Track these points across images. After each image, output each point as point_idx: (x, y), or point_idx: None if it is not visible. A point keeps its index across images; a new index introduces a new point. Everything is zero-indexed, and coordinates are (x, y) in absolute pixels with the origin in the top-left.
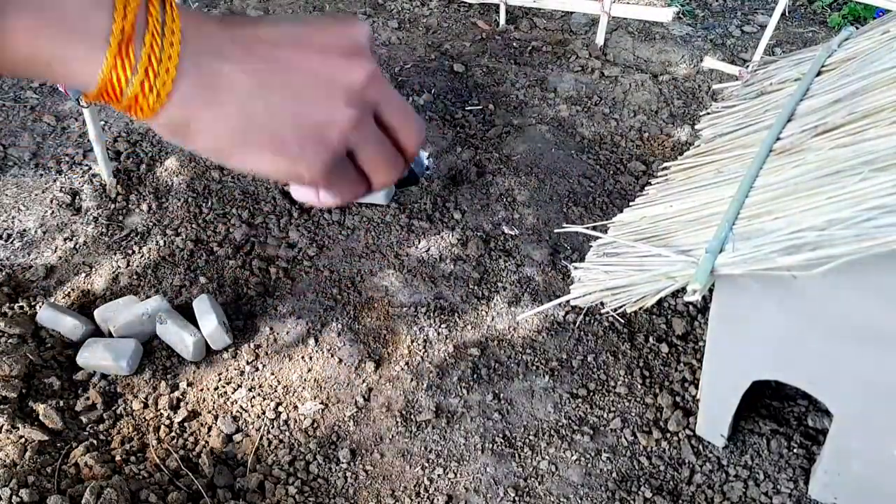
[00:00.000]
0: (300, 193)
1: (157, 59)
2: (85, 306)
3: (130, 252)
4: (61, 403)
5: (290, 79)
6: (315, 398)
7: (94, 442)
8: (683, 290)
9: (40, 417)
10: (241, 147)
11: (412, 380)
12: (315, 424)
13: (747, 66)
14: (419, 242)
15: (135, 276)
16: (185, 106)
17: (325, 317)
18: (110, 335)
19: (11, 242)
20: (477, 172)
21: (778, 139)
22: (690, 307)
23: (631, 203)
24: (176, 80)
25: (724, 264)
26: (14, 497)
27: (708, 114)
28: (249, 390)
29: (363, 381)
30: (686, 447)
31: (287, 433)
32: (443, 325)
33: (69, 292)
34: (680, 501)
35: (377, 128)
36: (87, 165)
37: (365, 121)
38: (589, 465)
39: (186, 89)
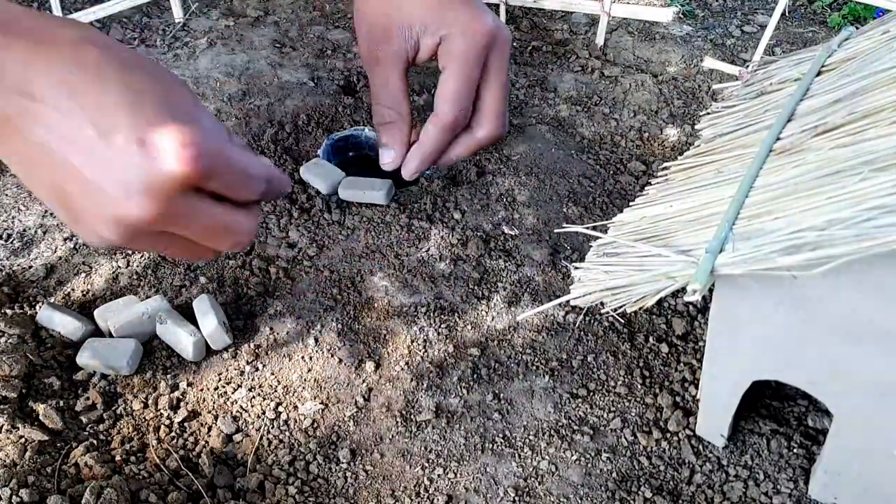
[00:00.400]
0: None
1: None
2: (85, 306)
3: (130, 252)
4: (61, 403)
5: (51, 178)
6: (315, 398)
7: (94, 442)
8: (683, 290)
9: (40, 417)
10: (30, 183)
11: (412, 380)
12: (315, 424)
13: (747, 66)
14: (419, 242)
15: (135, 276)
16: None
17: (325, 317)
18: (110, 335)
19: (11, 242)
20: (477, 172)
21: (778, 139)
22: (690, 307)
23: (631, 203)
24: None
25: (724, 264)
26: (14, 497)
27: (708, 114)
28: (249, 390)
29: (363, 381)
30: (686, 447)
31: (287, 433)
32: (443, 325)
33: (69, 292)
34: (680, 501)
35: (197, 205)
36: None
37: (171, 213)
38: (589, 465)
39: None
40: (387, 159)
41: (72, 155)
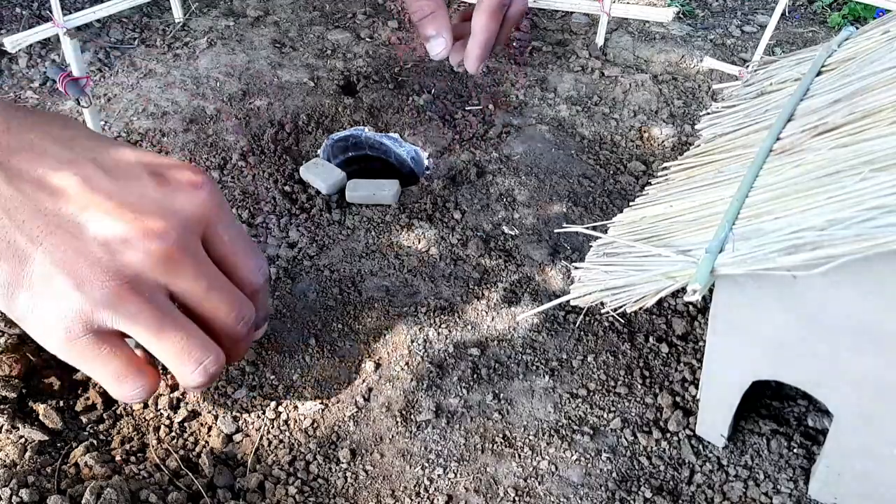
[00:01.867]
0: None
1: None
2: None
3: None
4: (61, 403)
5: (39, 217)
6: (315, 398)
7: (94, 442)
8: (683, 290)
9: (40, 417)
10: None
11: (412, 380)
12: (315, 424)
13: (747, 66)
14: (419, 242)
15: None
16: None
17: (325, 317)
18: None
19: None
20: (477, 172)
21: (778, 139)
22: (690, 307)
23: (631, 203)
24: None
25: (724, 264)
26: (14, 497)
27: (708, 114)
28: (250, 390)
29: (363, 381)
30: (686, 447)
31: (287, 433)
32: (443, 325)
33: None
34: (680, 501)
35: (166, 305)
36: None
37: (133, 299)
38: (589, 465)
39: None
40: (438, 48)
41: (98, 196)
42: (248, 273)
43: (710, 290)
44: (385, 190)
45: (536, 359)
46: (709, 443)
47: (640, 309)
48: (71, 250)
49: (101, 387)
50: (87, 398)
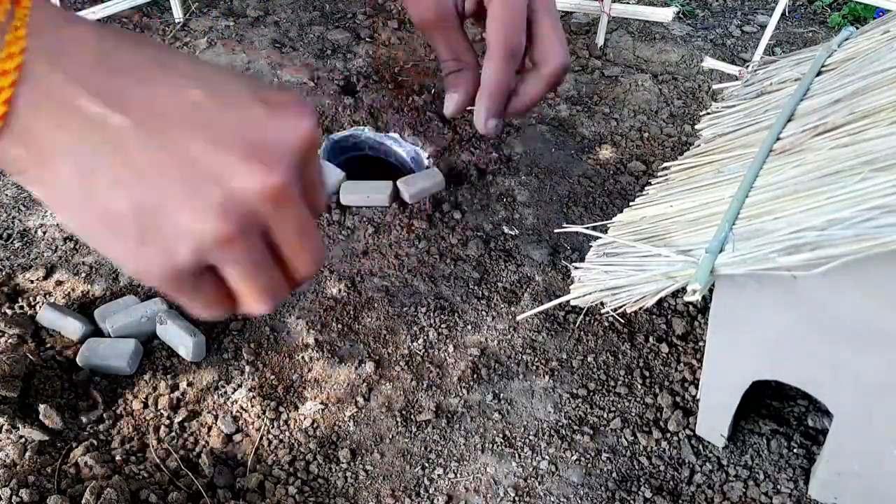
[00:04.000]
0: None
1: None
2: (85, 306)
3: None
4: (61, 403)
5: (156, 152)
6: (315, 398)
7: (94, 442)
8: (683, 290)
9: (40, 417)
10: (67, 211)
11: (412, 380)
12: (315, 424)
13: (747, 66)
14: (419, 242)
15: None
16: (14, 154)
17: (325, 317)
18: (110, 335)
19: (11, 242)
20: (477, 173)
21: (778, 139)
22: (690, 307)
23: (631, 203)
24: (8, 111)
25: (724, 264)
26: (14, 497)
27: (708, 114)
28: (249, 390)
29: (363, 381)
30: (686, 447)
31: (287, 433)
32: (443, 325)
33: (69, 292)
34: (680, 501)
35: (261, 250)
36: None
37: (240, 241)
38: (589, 465)
39: (20, 128)
40: (449, 105)
41: (167, 147)
42: (320, 206)
43: (710, 290)
44: (379, 192)
45: (536, 359)
46: (709, 443)
47: (640, 309)
48: (181, 182)
49: (101, 387)
50: (87, 398)
